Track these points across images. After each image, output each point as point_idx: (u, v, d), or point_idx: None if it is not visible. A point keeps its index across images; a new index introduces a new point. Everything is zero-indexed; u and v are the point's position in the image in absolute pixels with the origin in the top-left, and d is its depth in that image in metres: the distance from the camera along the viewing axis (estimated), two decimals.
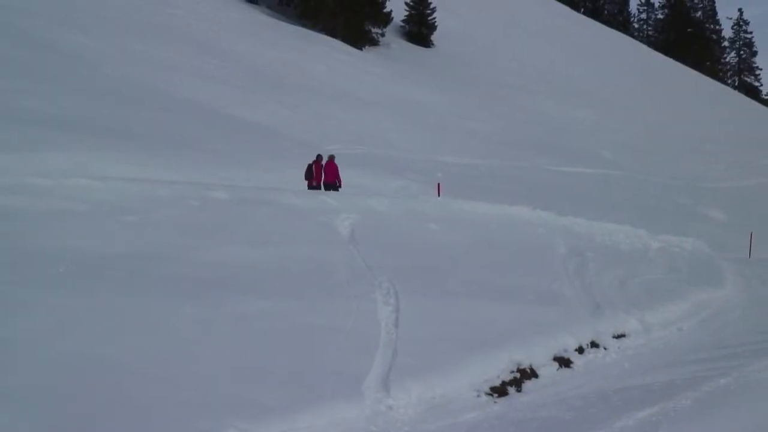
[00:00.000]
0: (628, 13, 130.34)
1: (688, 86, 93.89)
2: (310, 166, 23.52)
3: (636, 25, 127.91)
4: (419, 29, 73.58)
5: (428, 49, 73.17)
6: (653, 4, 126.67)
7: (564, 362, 11.41)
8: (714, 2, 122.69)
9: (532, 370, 10.76)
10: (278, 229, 13.98)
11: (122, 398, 7.72)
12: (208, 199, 14.49)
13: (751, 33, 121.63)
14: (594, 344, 12.24)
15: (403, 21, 73.36)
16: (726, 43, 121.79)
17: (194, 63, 41.98)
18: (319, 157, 23.80)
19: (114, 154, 18.36)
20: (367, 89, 52.66)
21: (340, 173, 23.79)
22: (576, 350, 11.81)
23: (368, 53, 65.19)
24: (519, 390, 10.26)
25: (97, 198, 13.06)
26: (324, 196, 16.76)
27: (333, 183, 23.19)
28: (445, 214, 17.56)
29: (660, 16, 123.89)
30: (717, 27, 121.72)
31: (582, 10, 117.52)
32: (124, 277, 10.31)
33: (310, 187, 22.49)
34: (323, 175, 23.38)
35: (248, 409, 7.95)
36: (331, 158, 23.93)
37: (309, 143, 32.10)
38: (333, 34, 63.33)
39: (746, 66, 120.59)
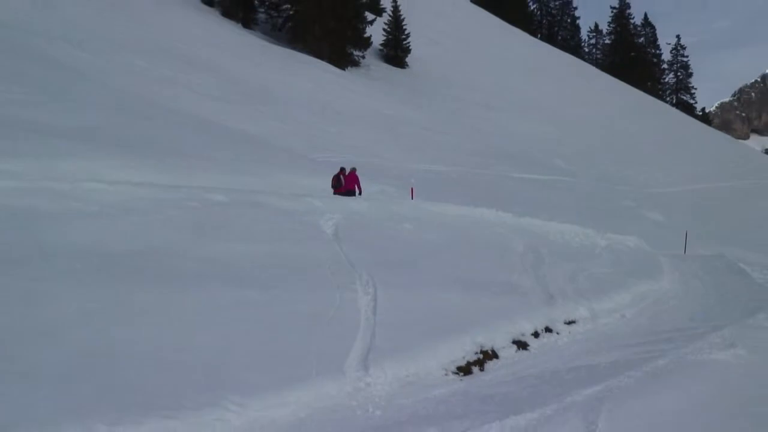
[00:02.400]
0: (579, 39, 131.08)
1: (632, 103, 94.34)
2: (335, 176, 23.95)
3: (586, 49, 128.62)
4: (395, 52, 73.67)
5: (403, 69, 73.20)
6: (601, 31, 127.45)
7: (521, 345, 11.48)
8: (655, 30, 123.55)
9: (493, 352, 10.83)
10: (269, 227, 13.99)
11: (131, 377, 7.77)
12: (207, 201, 14.48)
13: (687, 57, 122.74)
14: (548, 329, 12.33)
15: (381, 45, 73.37)
16: (665, 65, 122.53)
17: (193, 80, 41.84)
18: (341, 169, 24.27)
19: (121, 161, 18.29)
20: (348, 104, 52.66)
21: (360, 182, 24.22)
22: (532, 334, 11.90)
23: (350, 73, 65.17)
24: (482, 369, 10.33)
25: (107, 200, 13.03)
26: (309, 198, 16.75)
27: (353, 190, 23.54)
28: (418, 215, 17.60)
29: (607, 41, 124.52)
30: (657, 51, 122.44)
31: (539, 36, 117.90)
32: (132, 271, 10.32)
33: (336, 193, 22.71)
34: (345, 182, 23.76)
35: (242, 386, 8.00)
36: (353, 170, 24.36)
37: (297, 152, 32.11)
38: (319, 56, 63.25)
39: (683, 85, 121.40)
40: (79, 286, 9.51)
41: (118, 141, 21.37)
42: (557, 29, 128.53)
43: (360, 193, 23.54)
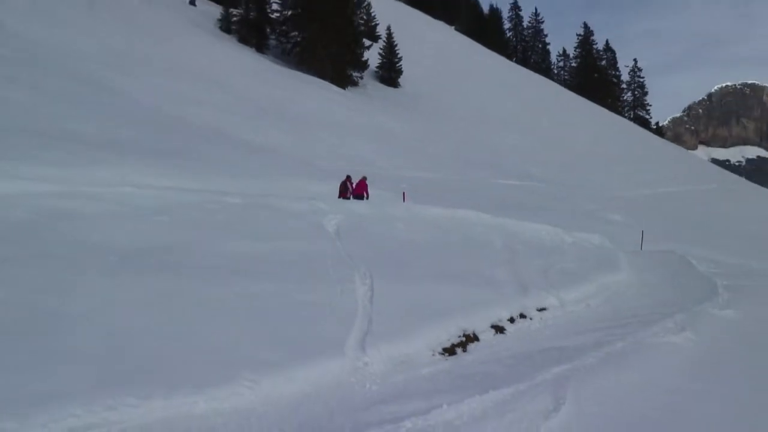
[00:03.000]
0: (550, 62, 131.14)
1: (595, 119, 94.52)
2: (342, 182, 24.02)
3: (555, 71, 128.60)
4: (389, 74, 73.71)
5: (396, 89, 73.26)
6: (568, 55, 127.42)
7: (499, 329, 11.46)
8: (615, 54, 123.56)
9: (474, 335, 10.82)
10: (278, 226, 14.00)
11: (157, 356, 7.76)
12: (224, 203, 14.50)
13: (643, 77, 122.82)
14: (522, 315, 12.30)
15: (377, 67, 73.39)
16: (624, 85, 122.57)
17: (214, 99, 41.88)
18: (347, 177, 24.30)
19: (151, 168, 18.29)
20: (347, 119, 52.69)
21: (368, 189, 24.35)
22: (508, 320, 11.87)
23: (349, 92, 65.18)
24: (465, 351, 10.31)
25: (138, 202, 13.04)
26: (314, 201, 16.74)
27: (361, 195, 23.63)
28: (409, 216, 17.62)
29: (574, 64, 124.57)
30: (617, 73, 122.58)
31: (514, 59, 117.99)
32: (159, 265, 10.32)
33: (341, 197, 22.73)
34: (353, 188, 23.89)
35: (255, 365, 7.98)
36: (364, 178, 24.55)
37: (303, 160, 32.12)
38: (322, 76, 63.26)
39: (639, 103, 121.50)
40: (113, 277, 9.53)
41: (149, 151, 21.38)
42: (530, 53, 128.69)
43: (368, 198, 23.57)
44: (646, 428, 7.39)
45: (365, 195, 23.86)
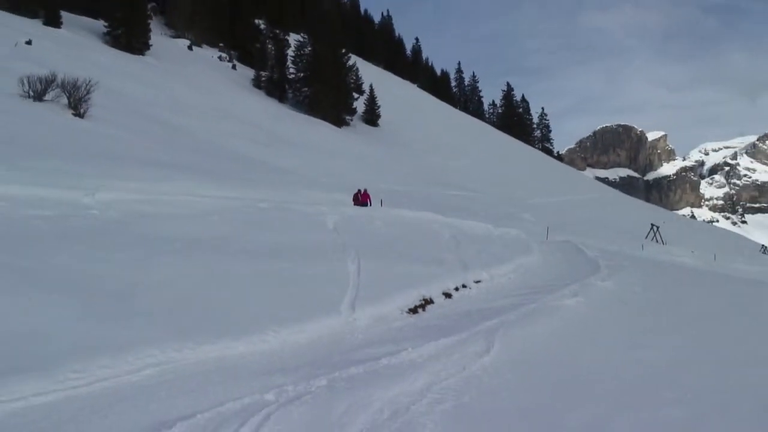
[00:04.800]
0: (483, 109, 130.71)
1: (514, 148, 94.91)
2: (354, 194, 24.10)
3: (487, 116, 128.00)
4: (371, 117, 73.22)
5: (375, 127, 72.89)
6: (496, 104, 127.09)
7: (447, 295, 11.50)
8: (528, 103, 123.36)
9: (431, 299, 10.86)
10: (294, 223, 13.97)
11: (209, 313, 7.76)
12: (255, 207, 14.44)
13: (548, 120, 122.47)
14: (464, 285, 12.34)
15: (363, 112, 73.04)
16: (535, 125, 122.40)
17: (247, 134, 41.75)
18: (358, 190, 24.46)
19: (204, 183, 18.16)
20: (341, 148, 52.62)
21: (371, 198, 24.40)
22: (454, 289, 11.91)
23: (343, 129, 65.02)
24: (424, 310, 10.35)
25: (196, 206, 12.98)
26: (319, 206, 16.70)
27: (365, 203, 23.47)
28: (385, 216, 17.64)
29: (500, 111, 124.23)
30: (530, 116, 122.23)
31: (458, 107, 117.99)
32: (210, 250, 10.30)
33: (356, 204, 22.57)
34: (361, 198, 23.94)
35: (277, 320, 8.01)
36: (365, 190, 24.61)
37: (311, 177, 32.00)
38: (325, 119, 63.03)
39: (545, 138, 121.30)
40: (179, 258, 9.52)
41: (202, 171, 21.26)
42: (469, 103, 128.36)
43: (370, 205, 23.44)
44: (548, 360, 7.51)
45: (369, 202, 23.87)
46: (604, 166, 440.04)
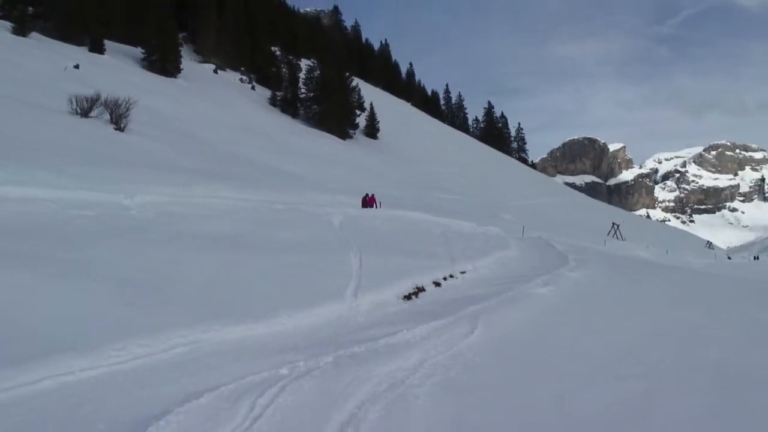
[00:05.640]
0: (468, 124, 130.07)
1: (495, 158, 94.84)
2: (363, 198, 23.87)
3: (471, 130, 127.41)
4: (371, 131, 73.15)
5: (375, 140, 72.86)
6: (479, 120, 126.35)
7: (437, 284, 11.45)
8: (507, 119, 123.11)
9: (423, 287, 10.83)
10: (303, 222, 13.95)
11: (232, 301, 7.73)
12: (269, 207, 14.44)
13: (524, 133, 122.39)
14: (451, 276, 12.29)
15: (364, 127, 72.90)
16: (512, 138, 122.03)
17: (263, 145, 41.68)
18: (366, 194, 24.27)
19: (225, 186, 18.13)
20: (346, 158, 52.59)
21: (377, 202, 24.08)
22: (443, 279, 11.87)
23: (347, 142, 64.95)
24: (417, 297, 10.33)
25: (219, 207, 12.96)
26: (326, 206, 16.68)
27: (372, 205, 23.21)
28: (384, 216, 17.64)
29: (482, 125, 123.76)
30: (508, 130, 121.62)
31: (446, 122, 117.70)
32: (232, 245, 10.26)
33: (364, 207, 22.28)
34: (369, 201, 23.72)
35: (291, 305, 7.97)
36: (373, 195, 24.34)
37: (318, 182, 31.97)
38: (331, 133, 62.98)
39: (521, 149, 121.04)
40: (200, 252, 9.45)
41: (224, 176, 21.19)
42: (456, 119, 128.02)
43: (377, 207, 23.18)
44: (523, 341, 7.50)
45: (375, 205, 23.57)
46: (572, 173, 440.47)
